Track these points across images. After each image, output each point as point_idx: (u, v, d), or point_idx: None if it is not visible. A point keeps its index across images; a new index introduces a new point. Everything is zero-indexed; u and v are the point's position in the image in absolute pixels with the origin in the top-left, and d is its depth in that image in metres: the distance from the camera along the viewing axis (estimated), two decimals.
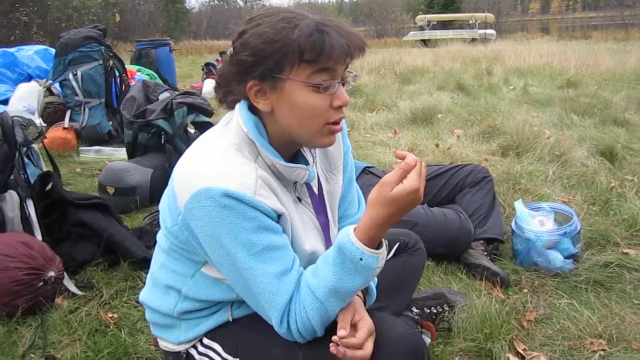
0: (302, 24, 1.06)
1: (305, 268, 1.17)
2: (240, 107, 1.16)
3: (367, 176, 2.54)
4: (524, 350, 1.81)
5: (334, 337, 1.08)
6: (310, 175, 1.21)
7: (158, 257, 1.31)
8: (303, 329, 1.11)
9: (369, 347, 1.08)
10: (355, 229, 1.08)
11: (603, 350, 1.79)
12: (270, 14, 1.10)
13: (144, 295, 1.37)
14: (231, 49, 1.14)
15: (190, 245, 1.16)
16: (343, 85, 1.13)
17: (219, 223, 1.06)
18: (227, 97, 1.18)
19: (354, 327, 1.12)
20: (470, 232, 2.38)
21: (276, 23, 1.07)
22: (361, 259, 1.05)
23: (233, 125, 1.16)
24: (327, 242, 1.29)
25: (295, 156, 1.24)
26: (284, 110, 1.12)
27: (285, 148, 1.19)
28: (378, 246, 1.09)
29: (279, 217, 1.13)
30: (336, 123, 1.15)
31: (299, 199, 1.24)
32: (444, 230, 2.33)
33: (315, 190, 1.30)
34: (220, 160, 1.11)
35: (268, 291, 1.10)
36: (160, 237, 1.28)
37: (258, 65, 1.08)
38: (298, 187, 1.24)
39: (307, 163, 1.23)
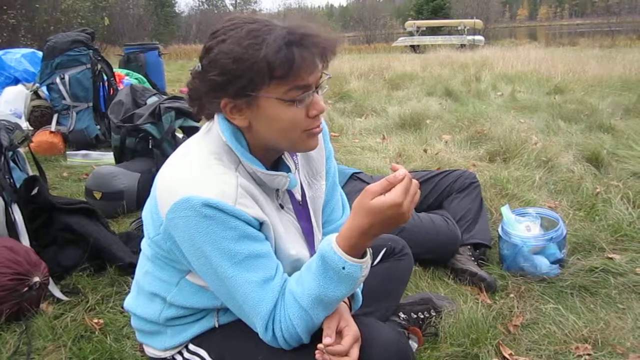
0: (269, 38, 1.03)
1: (289, 274, 1.16)
2: (218, 117, 1.15)
3: (355, 182, 2.54)
4: (510, 355, 1.81)
5: (320, 345, 1.08)
6: (292, 182, 1.21)
7: (142, 265, 1.30)
8: (288, 336, 1.11)
9: (354, 353, 1.08)
10: (337, 237, 1.07)
11: (588, 354, 1.80)
12: (234, 26, 1.07)
13: (129, 303, 1.36)
14: (199, 65, 1.12)
15: (174, 254, 1.16)
16: (318, 91, 1.12)
17: (200, 233, 1.06)
18: (202, 111, 1.17)
19: (339, 334, 1.11)
20: (458, 238, 2.39)
21: (242, 39, 1.04)
22: (344, 268, 1.04)
23: (213, 133, 1.16)
24: (311, 248, 1.29)
25: (277, 163, 1.24)
26: (261, 124, 1.12)
27: (267, 156, 1.19)
28: (363, 254, 1.08)
29: (261, 225, 1.13)
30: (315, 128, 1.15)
31: (282, 206, 1.23)
32: (432, 236, 2.34)
33: (299, 196, 1.30)
34: (200, 169, 1.10)
35: (251, 299, 1.09)
36: (144, 245, 1.27)
37: (229, 85, 1.06)
38: (280, 194, 1.24)
39: (289, 170, 1.23)
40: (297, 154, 1.29)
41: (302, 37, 1.05)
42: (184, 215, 1.06)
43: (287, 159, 1.24)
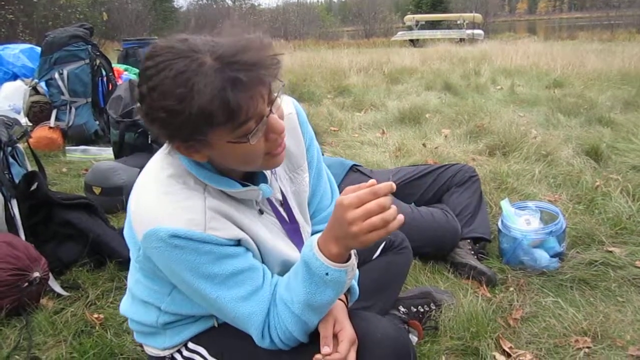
0: (200, 84, 0.92)
1: (281, 274, 1.16)
2: None
3: (355, 174, 2.55)
4: (510, 348, 1.82)
5: (318, 356, 1.07)
6: (265, 192, 1.16)
7: (133, 273, 1.26)
8: (286, 339, 1.11)
9: (352, 357, 1.08)
10: (319, 240, 1.04)
11: (588, 347, 1.80)
12: (162, 66, 0.94)
13: (125, 308, 1.34)
14: (141, 109, 1.01)
15: (159, 273, 1.14)
16: (272, 110, 1.03)
17: (175, 262, 1.04)
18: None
19: (335, 337, 1.11)
20: (457, 231, 2.39)
21: (172, 87, 0.93)
22: (327, 274, 1.02)
23: (176, 155, 1.09)
24: (300, 246, 1.23)
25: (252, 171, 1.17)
26: (220, 158, 1.06)
27: (239, 172, 1.14)
28: (348, 257, 1.05)
29: (238, 242, 1.10)
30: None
31: (261, 212, 1.19)
32: (431, 229, 2.34)
33: (279, 196, 1.25)
34: (165, 196, 1.06)
35: (242, 314, 1.09)
36: (132, 256, 1.22)
37: (174, 135, 1.00)
38: (258, 200, 1.18)
39: (264, 176, 1.19)
40: None
41: (236, 71, 0.93)
42: (155, 247, 1.03)
43: None
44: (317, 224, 1.37)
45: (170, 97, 0.93)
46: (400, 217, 0.97)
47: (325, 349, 1.07)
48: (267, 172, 1.20)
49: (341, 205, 0.97)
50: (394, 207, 0.97)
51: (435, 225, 2.35)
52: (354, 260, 1.07)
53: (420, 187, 2.60)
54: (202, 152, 1.04)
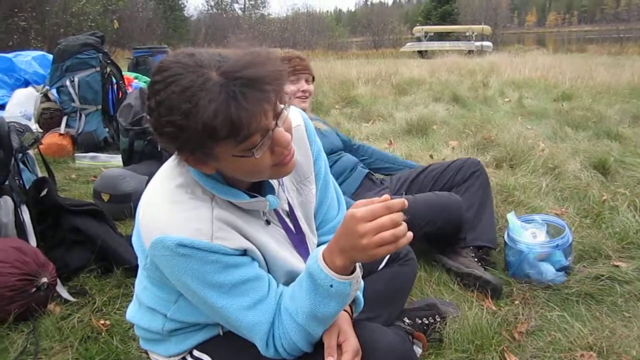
0: (204, 99, 0.94)
1: (286, 284, 1.16)
2: None
3: (368, 183, 2.57)
4: None
5: None
6: (272, 204, 1.17)
7: (141, 280, 1.28)
8: (290, 349, 1.12)
9: None
10: (324, 252, 1.05)
11: None
12: (169, 81, 0.97)
13: (131, 314, 1.35)
14: (150, 122, 1.03)
15: (166, 280, 1.15)
16: (278, 123, 1.04)
17: (181, 270, 1.05)
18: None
19: (339, 347, 1.11)
20: (461, 203, 2.38)
21: (178, 102, 0.95)
22: (332, 286, 1.03)
23: (184, 165, 1.10)
24: (305, 257, 1.24)
25: (261, 181, 1.18)
26: (228, 170, 1.08)
27: (247, 183, 1.16)
28: (353, 270, 1.06)
29: (244, 252, 1.11)
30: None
31: (268, 222, 1.20)
32: (434, 202, 2.35)
33: (286, 206, 1.26)
34: (173, 205, 1.07)
35: (247, 323, 1.09)
36: (140, 264, 1.24)
37: (183, 148, 1.02)
38: (265, 210, 1.19)
39: (272, 187, 1.20)
40: None
41: (240, 86, 0.95)
42: (162, 255, 1.05)
43: None
44: (323, 235, 1.38)
45: (176, 112, 0.96)
46: (410, 234, 0.98)
47: (329, 359, 1.08)
48: (274, 183, 1.21)
49: (353, 217, 0.98)
50: (404, 225, 0.98)
51: (438, 198, 2.37)
52: (358, 273, 1.07)
53: (420, 186, 2.59)
54: (209, 165, 1.06)
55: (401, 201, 0.98)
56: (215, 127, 0.94)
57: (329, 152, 2.49)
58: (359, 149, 2.94)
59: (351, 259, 1.01)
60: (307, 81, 2.54)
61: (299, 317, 1.08)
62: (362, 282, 1.09)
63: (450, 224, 2.37)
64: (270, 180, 1.19)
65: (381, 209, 0.98)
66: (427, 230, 2.30)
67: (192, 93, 0.95)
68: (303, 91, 2.51)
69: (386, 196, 1.00)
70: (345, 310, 1.20)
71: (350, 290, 1.05)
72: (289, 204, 1.27)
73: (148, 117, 1.03)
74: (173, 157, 1.12)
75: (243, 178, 1.11)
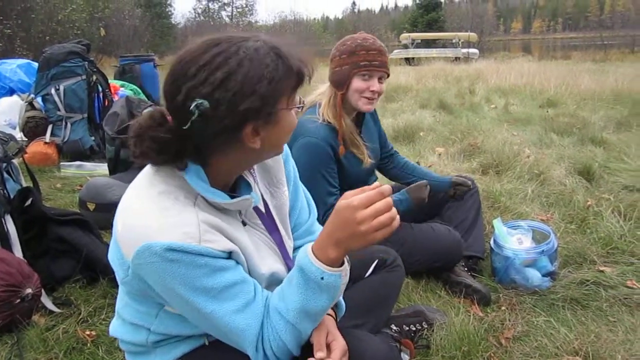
0: (283, 50, 1.05)
1: (268, 289, 1.17)
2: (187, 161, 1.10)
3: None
4: None
5: None
6: (255, 200, 1.19)
7: (122, 296, 1.26)
8: (279, 352, 1.11)
9: None
10: (313, 246, 1.07)
11: None
12: (232, 48, 1.02)
13: (114, 330, 1.33)
14: (194, 107, 0.99)
15: (147, 292, 1.13)
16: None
17: (170, 276, 1.04)
18: (176, 160, 1.08)
19: (327, 347, 1.12)
20: (460, 242, 2.37)
21: (263, 57, 1.02)
22: (322, 278, 1.05)
23: (162, 173, 1.11)
24: (285, 258, 1.28)
25: (236, 181, 1.21)
26: (273, 139, 1.11)
27: (227, 183, 1.18)
28: (342, 262, 1.08)
29: (230, 254, 1.11)
30: None
31: (244, 223, 1.20)
32: (435, 244, 2.32)
33: (262, 208, 1.28)
34: (157, 211, 1.06)
35: (236, 328, 1.09)
36: (119, 280, 1.21)
37: (261, 109, 1.03)
38: (243, 211, 1.20)
39: (248, 185, 1.21)
40: (254, 166, 1.27)
41: (286, 46, 1.08)
42: (149, 262, 1.03)
43: (246, 174, 1.23)
44: (297, 239, 1.39)
45: (265, 67, 1.02)
46: (398, 216, 1.04)
47: (319, 354, 1.09)
48: (250, 180, 1.22)
49: (350, 206, 1.01)
50: (394, 208, 1.03)
51: (438, 240, 2.33)
52: (347, 266, 1.09)
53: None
54: (260, 135, 1.08)
55: (389, 186, 1.03)
56: (300, 70, 1.07)
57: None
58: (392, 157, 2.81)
59: (346, 248, 1.04)
60: (380, 80, 2.19)
61: (289, 315, 1.08)
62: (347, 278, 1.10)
63: (451, 263, 2.39)
64: (245, 177, 1.22)
65: (376, 195, 1.01)
66: (425, 266, 2.34)
67: (269, 50, 1.04)
68: (372, 91, 2.16)
69: (377, 183, 1.04)
70: (329, 315, 1.21)
71: (340, 282, 1.07)
72: (264, 201, 1.29)
73: (203, 101, 0.99)
74: (148, 166, 1.13)
75: (273, 148, 1.15)
